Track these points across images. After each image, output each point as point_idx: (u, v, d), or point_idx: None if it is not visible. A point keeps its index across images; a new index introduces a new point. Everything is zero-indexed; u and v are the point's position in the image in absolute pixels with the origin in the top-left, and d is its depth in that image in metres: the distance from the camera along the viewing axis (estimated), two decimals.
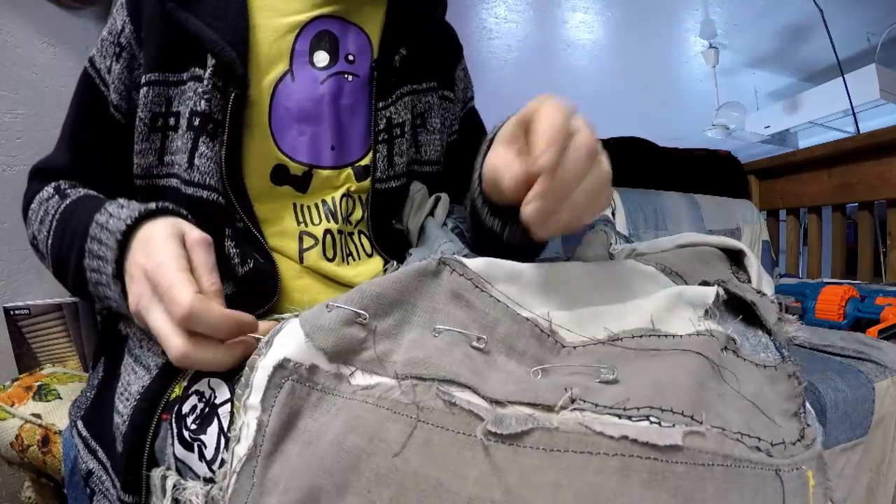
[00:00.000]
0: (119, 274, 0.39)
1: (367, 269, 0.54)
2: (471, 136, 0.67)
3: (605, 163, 0.35)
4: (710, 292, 0.30)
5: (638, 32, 2.56)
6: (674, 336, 0.28)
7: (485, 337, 0.26)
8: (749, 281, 0.36)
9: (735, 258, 0.41)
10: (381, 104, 0.54)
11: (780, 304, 0.34)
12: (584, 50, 2.71)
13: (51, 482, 0.67)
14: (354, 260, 0.54)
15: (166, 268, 0.35)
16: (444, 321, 0.28)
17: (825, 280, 1.14)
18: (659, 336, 0.28)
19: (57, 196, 0.50)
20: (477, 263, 0.32)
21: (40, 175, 0.55)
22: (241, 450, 0.24)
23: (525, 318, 0.29)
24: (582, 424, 0.21)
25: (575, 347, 0.28)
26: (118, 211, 0.41)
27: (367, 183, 0.54)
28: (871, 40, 2.42)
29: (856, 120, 2.17)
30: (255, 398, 0.25)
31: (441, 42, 0.65)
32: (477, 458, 0.21)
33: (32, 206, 0.52)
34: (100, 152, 0.53)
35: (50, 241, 0.47)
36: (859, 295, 0.82)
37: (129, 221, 0.39)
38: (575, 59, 2.78)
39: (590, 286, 0.33)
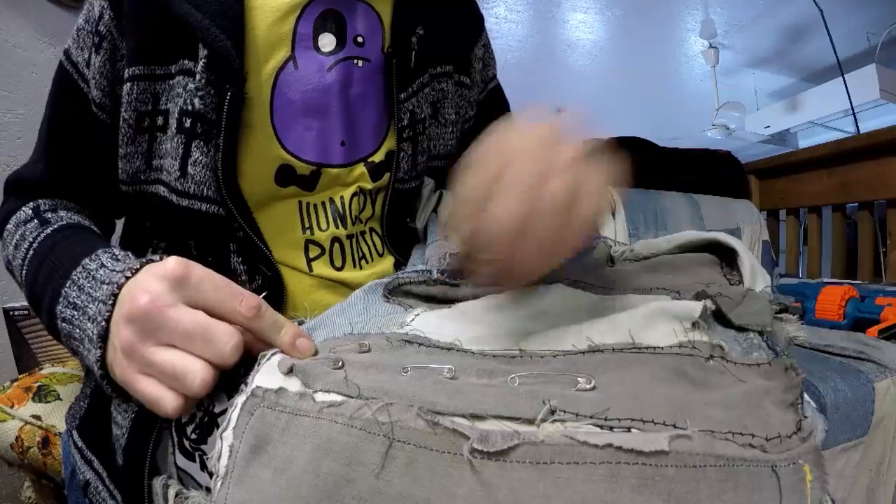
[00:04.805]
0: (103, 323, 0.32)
1: (378, 271, 0.51)
2: (491, 120, 0.62)
3: (585, 204, 0.28)
4: (697, 307, 0.30)
5: (638, 32, 2.56)
6: (654, 349, 0.28)
7: (453, 367, 0.26)
8: (741, 282, 0.36)
9: (730, 256, 0.40)
10: (402, 96, 0.49)
11: (780, 304, 0.33)
12: (584, 50, 2.71)
13: (51, 483, 0.67)
14: (368, 263, 0.51)
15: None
16: (414, 363, 0.28)
17: (825, 280, 1.14)
18: (640, 350, 0.28)
19: (36, 220, 0.45)
20: (443, 327, 0.31)
21: (16, 190, 0.50)
22: (217, 480, 0.24)
23: (493, 356, 0.29)
24: (566, 436, 0.21)
25: (555, 356, 0.28)
26: (113, 264, 0.35)
27: (382, 182, 0.50)
28: (871, 40, 2.42)
29: (856, 120, 2.17)
30: (230, 429, 0.26)
31: (458, 16, 0.57)
32: (464, 476, 0.20)
33: (8, 226, 0.47)
34: (82, 159, 0.48)
35: (24, 272, 0.42)
36: (859, 295, 0.82)
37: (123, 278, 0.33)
38: (575, 59, 2.77)
39: (574, 319, 0.32)
